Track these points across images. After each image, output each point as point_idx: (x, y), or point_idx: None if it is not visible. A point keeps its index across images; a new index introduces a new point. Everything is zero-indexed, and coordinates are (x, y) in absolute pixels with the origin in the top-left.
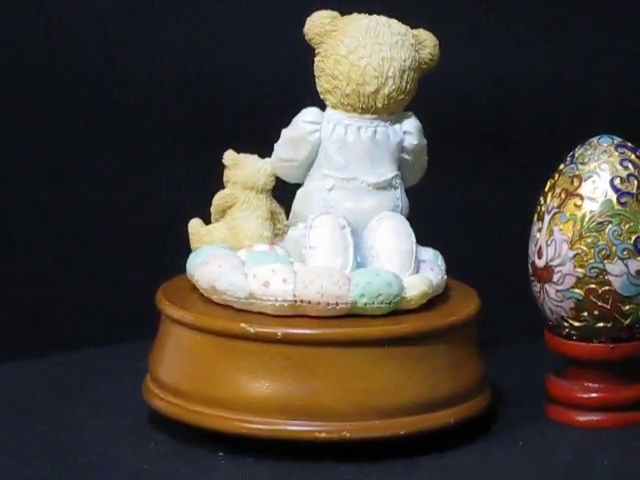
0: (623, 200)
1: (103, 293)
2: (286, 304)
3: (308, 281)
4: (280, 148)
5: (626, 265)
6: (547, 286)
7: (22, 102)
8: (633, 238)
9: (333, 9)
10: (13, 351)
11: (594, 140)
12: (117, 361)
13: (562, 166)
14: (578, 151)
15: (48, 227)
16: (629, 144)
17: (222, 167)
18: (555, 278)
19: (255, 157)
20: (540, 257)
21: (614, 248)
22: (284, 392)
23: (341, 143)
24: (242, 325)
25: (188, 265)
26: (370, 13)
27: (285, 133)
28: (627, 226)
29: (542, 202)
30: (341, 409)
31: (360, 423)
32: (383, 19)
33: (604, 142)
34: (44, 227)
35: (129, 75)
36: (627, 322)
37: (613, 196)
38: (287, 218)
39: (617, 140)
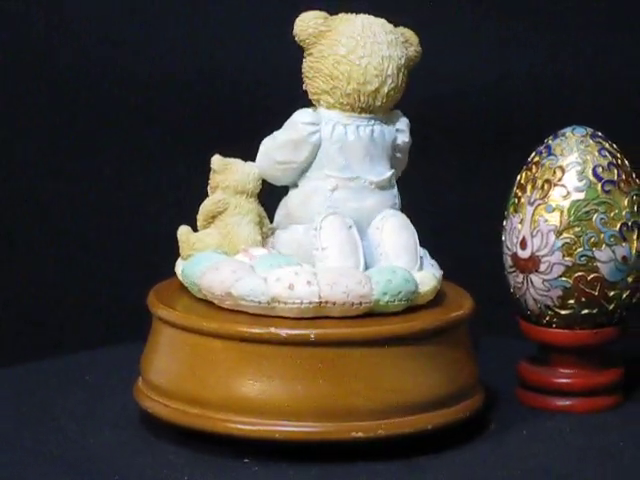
0: (607, 188)
1: (102, 294)
2: (311, 306)
3: (332, 282)
4: (276, 151)
5: (613, 252)
6: (532, 276)
7: (22, 102)
8: (618, 225)
9: (323, 9)
10: (11, 352)
11: (567, 131)
12: (114, 362)
13: (538, 158)
14: (553, 143)
15: (48, 227)
16: (599, 133)
17: (208, 171)
18: (542, 268)
19: (241, 161)
20: (524, 248)
21: (602, 235)
22: (318, 394)
23: (342, 143)
24: (272, 330)
25: (188, 272)
26: (357, 13)
27: (282, 135)
28: (612, 214)
29: (519, 194)
30: (375, 408)
31: (392, 421)
32: (373, 18)
33: (578, 132)
34: (43, 227)
35: (129, 75)
36: (611, 307)
37: (597, 185)
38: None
39: (590, 130)
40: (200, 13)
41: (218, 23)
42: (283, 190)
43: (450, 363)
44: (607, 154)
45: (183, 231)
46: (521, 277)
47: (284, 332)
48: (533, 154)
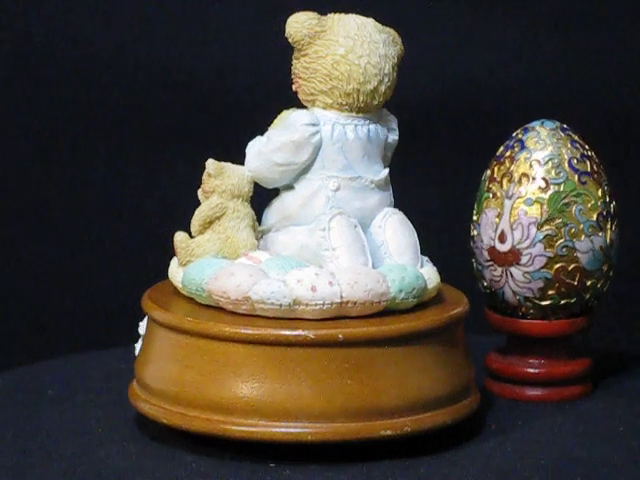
0: (583, 180)
1: (96, 297)
2: (332, 307)
3: (353, 281)
4: (275, 153)
5: (591, 241)
6: (512, 269)
7: (22, 102)
8: (595, 215)
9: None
10: (3, 356)
11: (536, 125)
12: (112, 364)
13: (510, 152)
14: (525, 136)
15: (44, 228)
16: (566, 126)
17: (200, 175)
18: (523, 260)
19: (233, 164)
20: (503, 241)
21: (581, 226)
22: (347, 394)
23: (342, 143)
24: (301, 332)
25: (192, 278)
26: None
27: (280, 137)
28: (589, 204)
29: (493, 189)
30: (401, 405)
31: (416, 417)
32: (363, 17)
33: (548, 126)
34: (41, 228)
35: (129, 75)
36: (587, 296)
37: (574, 176)
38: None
39: (558, 123)
40: (201, 13)
41: (218, 23)
42: (266, 193)
43: (460, 357)
44: (578, 146)
45: (181, 237)
46: (499, 270)
47: (312, 333)
48: (502, 148)
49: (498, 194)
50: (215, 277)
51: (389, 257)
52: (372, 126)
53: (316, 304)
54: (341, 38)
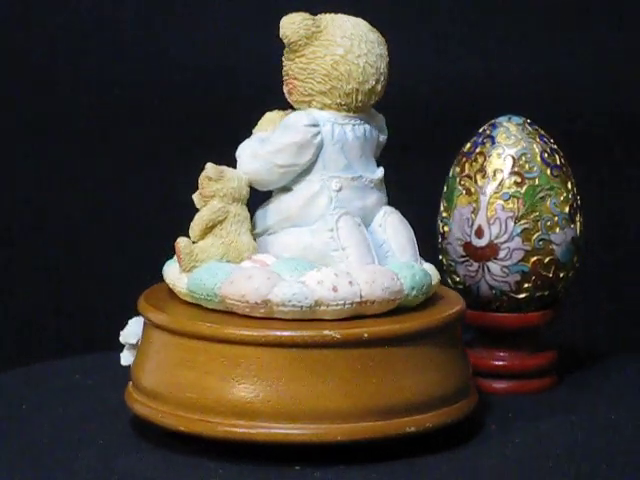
0: (555, 173)
1: (92, 299)
2: (352, 306)
3: (371, 280)
4: (276, 155)
5: (565, 233)
6: (490, 264)
7: (22, 102)
8: (567, 208)
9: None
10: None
11: (503, 121)
12: (104, 368)
13: (481, 149)
14: (495, 132)
15: (46, 227)
16: (529, 121)
17: (196, 181)
18: (501, 255)
19: (229, 168)
20: (481, 237)
21: (555, 218)
22: (372, 393)
23: (342, 143)
24: (326, 332)
25: (202, 284)
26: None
27: (282, 139)
28: (561, 197)
29: (467, 185)
30: (423, 401)
31: (437, 412)
32: (354, 17)
33: (515, 121)
34: (42, 227)
35: (129, 75)
36: (559, 288)
37: (547, 170)
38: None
39: (524, 118)
40: (201, 13)
41: (218, 23)
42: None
43: (462, 355)
44: (546, 140)
45: (185, 243)
46: (476, 265)
47: (338, 333)
48: (469, 145)
49: (472, 190)
50: (230, 281)
51: (391, 255)
52: (367, 125)
53: (337, 304)
54: (338, 38)
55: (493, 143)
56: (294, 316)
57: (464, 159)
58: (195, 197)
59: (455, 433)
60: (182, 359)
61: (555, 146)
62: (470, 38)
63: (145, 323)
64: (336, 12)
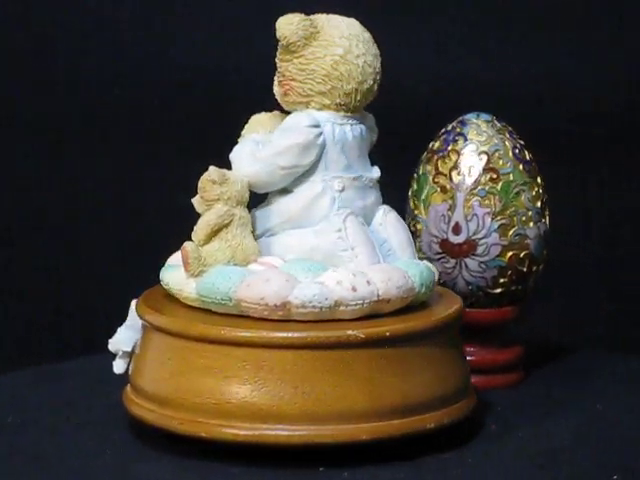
0: (527, 169)
1: (89, 301)
2: (370, 305)
3: (386, 279)
4: (279, 157)
5: (538, 228)
6: (467, 260)
7: (22, 102)
8: (539, 202)
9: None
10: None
11: (471, 118)
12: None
13: (453, 146)
14: (466, 129)
15: (46, 228)
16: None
17: (196, 180)
18: (479, 250)
19: (229, 171)
20: (458, 233)
21: (530, 213)
22: (394, 391)
23: (343, 143)
24: (350, 332)
25: (215, 288)
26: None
27: (284, 140)
28: (534, 192)
29: (441, 182)
30: (442, 396)
31: (454, 407)
32: (346, 17)
33: (484, 118)
34: (42, 227)
35: (129, 75)
36: (530, 282)
37: (520, 165)
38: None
39: (491, 115)
40: (201, 13)
41: (218, 23)
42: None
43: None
44: (515, 137)
45: (193, 247)
46: (453, 262)
47: (362, 333)
48: (439, 143)
49: (448, 187)
50: (247, 284)
51: (392, 254)
52: (362, 125)
53: (356, 304)
54: (337, 39)
55: (465, 140)
56: (313, 317)
57: (435, 157)
58: (196, 201)
59: (455, 433)
60: (201, 365)
61: (522, 142)
62: (470, 38)
63: (147, 328)
64: (337, 12)
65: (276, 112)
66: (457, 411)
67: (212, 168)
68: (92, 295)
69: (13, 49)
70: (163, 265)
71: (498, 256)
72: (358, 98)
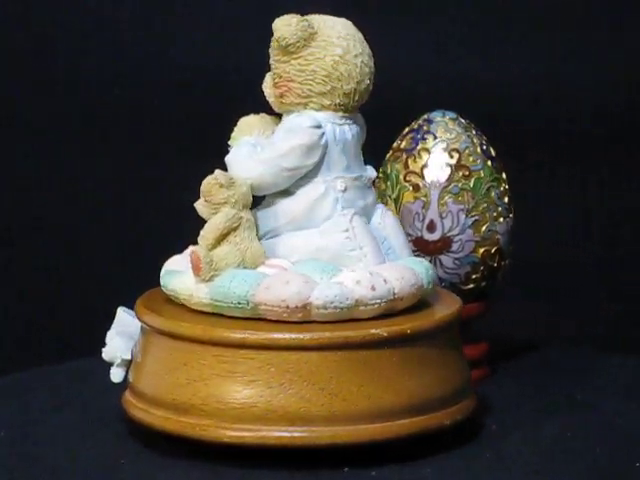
0: (495, 165)
1: (87, 303)
2: (387, 303)
3: (400, 277)
4: (283, 158)
5: (507, 223)
6: (442, 257)
7: (22, 102)
8: (506, 198)
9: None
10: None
11: (437, 116)
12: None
13: (423, 144)
14: (433, 127)
15: (46, 228)
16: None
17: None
18: (454, 247)
19: (233, 174)
20: (432, 231)
21: (499, 209)
22: (411, 389)
23: (343, 143)
24: (373, 331)
25: (232, 292)
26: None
27: (290, 142)
28: (502, 188)
29: (413, 181)
30: (455, 391)
31: (457, 406)
32: (338, 18)
33: (449, 115)
34: (42, 227)
35: (129, 75)
36: (499, 276)
37: (488, 162)
38: None
39: (456, 113)
40: (201, 13)
41: (218, 23)
42: None
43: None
44: (480, 134)
45: (204, 252)
46: (427, 260)
47: (385, 331)
48: (405, 142)
49: (420, 185)
50: (266, 287)
51: (393, 252)
52: (356, 125)
53: (375, 303)
54: (334, 39)
55: (435, 138)
56: (332, 318)
57: (404, 156)
58: (200, 206)
59: (455, 433)
60: (222, 369)
61: (486, 138)
62: (470, 38)
63: (154, 334)
64: (337, 12)
65: (263, 114)
66: (465, 408)
67: (218, 171)
68: (92, 295)
69: (13, 49)
70: (162, 265)
71: (472, 252)
72: (356, 98)
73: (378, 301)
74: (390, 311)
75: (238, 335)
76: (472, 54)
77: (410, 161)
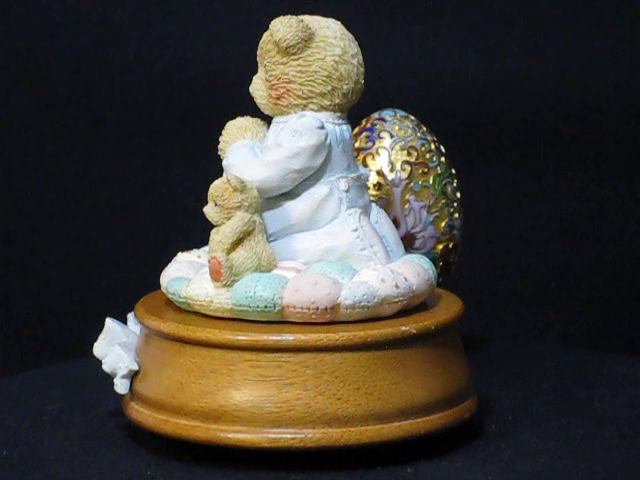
0: (448, 161)
1: (101, 297)
2: (407, 301)
3: (416, 274)
4: (292, 160)
5: (461, 219)
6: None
7: (22, 102)
8: (459, 193)
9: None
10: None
11: (389, 114)
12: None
13: (380, 143)
14: (388, 125)
15: (46, 227)
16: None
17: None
18: (417, 244)
19: (241, 177)
20: (397, 228)
21: (455, 204)
22: (437, 385)
23: (343, 144)
24: (404, 328)
25: (259, 296)
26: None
27: (298, 144)
28: (455, 183)
29: (375, 179)
30: (459, 391)
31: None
32: (329, 18)
33: (401, 113)
34: (42, 227)
35: (129, 75)
36: (452, 271)
37: (442, 158)
38: None
39: (405, 112)
40: (201, 13)
41: (218, 23)
42: None
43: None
44: (430, 131)
45: (225, 257)
46: None
47: (414, 328)
48: (359, 142)
49: (382, 183)
50: (295, 289)
51: (391, 250)
52: (349, 125)
53: (397, 300)
54: (331, 39)
55: (392, 136)
56: (358, 317)
57: (362, 155)
58: (210, 210)
59: (455, 433)
60: (255, 374)
61: (435, 135)
62: (470, 38)
63: (164, 340)
64: (337, 12)
65: (248, 117)
66: (472, 405)
67: (232, 176)
68: (92, 295)
69: (13, 49)
70: (162, 265)
71: (433, 248)
72: (353, 98)
73: (401, 298)
74: (406, 308)
75: (272, 338)
76: (472, 54)
77: (369, 160)
